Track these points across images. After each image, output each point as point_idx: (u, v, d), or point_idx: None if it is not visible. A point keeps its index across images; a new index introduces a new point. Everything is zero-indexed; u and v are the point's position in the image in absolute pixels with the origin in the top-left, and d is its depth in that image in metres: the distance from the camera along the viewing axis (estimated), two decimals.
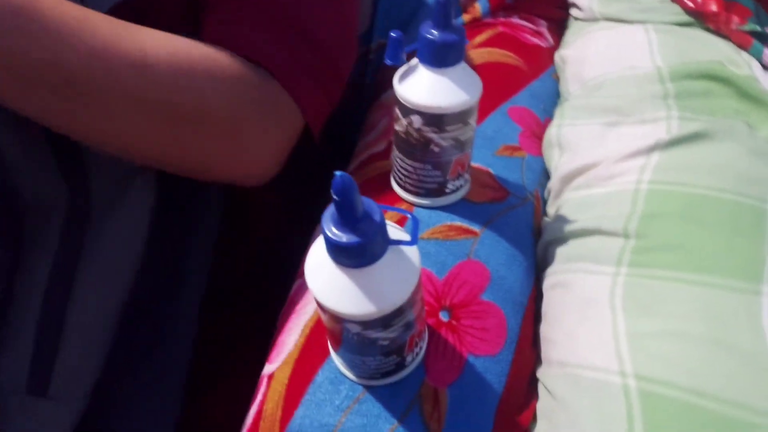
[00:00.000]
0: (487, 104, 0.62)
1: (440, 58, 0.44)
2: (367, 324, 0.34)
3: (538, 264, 0.54)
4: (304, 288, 0.48)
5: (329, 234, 0.31)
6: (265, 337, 0.49)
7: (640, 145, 0.53)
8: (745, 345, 0.41)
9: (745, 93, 0.56)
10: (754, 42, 0.61)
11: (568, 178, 0.56)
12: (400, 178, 0.51)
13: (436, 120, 0.46)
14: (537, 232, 0.55)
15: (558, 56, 0.71)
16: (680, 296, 0.44)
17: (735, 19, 0.62)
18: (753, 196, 0.49)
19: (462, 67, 0.45)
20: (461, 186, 0.51)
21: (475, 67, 0.65)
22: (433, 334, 0.43)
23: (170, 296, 0.55)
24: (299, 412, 0.40)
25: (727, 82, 0.57)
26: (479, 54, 0.67)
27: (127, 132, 0.43)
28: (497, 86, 0.64)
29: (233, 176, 0.50)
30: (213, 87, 0.44)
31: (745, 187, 0.49)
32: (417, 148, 0.48)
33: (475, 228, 0.50)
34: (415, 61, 0.46)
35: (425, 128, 0.46)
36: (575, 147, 0.58)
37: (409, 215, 0.36)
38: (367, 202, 0.32)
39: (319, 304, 0.35)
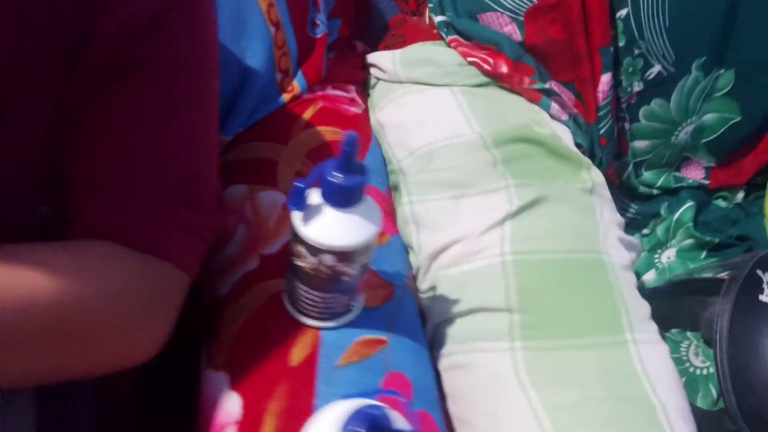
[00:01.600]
0: None
1: (348, 199, 0.44)
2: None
3: (429, 345, 0.57)
4: None
5: None
6: None
7: (492, 217, 0.59)
8: (630, 394, 0.50)
9: (553, 151, 0.66)
10: (543, 97, 0.72)
11: (434, 255, 0.60)
12: (304, 307, 0.50)
13: (347, 255, 0.45)
14: (420, 313, 0.59)
15: (375, 121, 0.74)
16: (572, 363, 0.51)
17: (525, 79, 0.71)
18: (590, 250, 0.59)
19: (365, 200, 0.46)
20: (362, 299, 0.52)
21: (311, 151, 0.65)
22: None
23: None
24: None
25: (538, 143, 0.66)
26: (310, 135, 0.67)
27: (9, 371, 0.38)
28: None
29: (122, 366, 0.44)
30: (104, 298, 0.41)
31: (582, 242, 0.59)
32: (327, 281, 0.47)
33: (382, 336, 0.52)
34: (314, 199, 0.45)
35: (338, 264, 0.46)
36: (432, 224, 0.62)
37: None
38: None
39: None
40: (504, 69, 0.72)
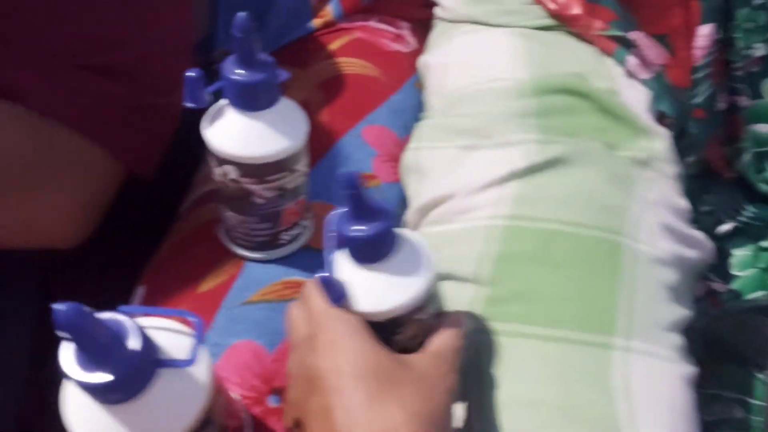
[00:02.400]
0: (339, 126, 0.56)
1: (251, 100, 0.38)
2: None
3: None
4: None
5: (73, 376, 0.25)
6: None
7: (495, 173, 0.49)
8: (594, 409, 0.37)
9: (604, 108, 0.53)
10: (617, 48, 0.58)
11: (425, 210, 0.51)
12: (227, 230, 0.44)
13: (253, 170, 0.39)
14: None
15: (421, 63, 0.65)
16: (532, 356, 0.40)
17: (598, 23, 0.58)
18: (609, 229, 0.46)
19: (280, 108, 0.39)
20: (300, 234, 0.45)
21: (326, 81, 0.59)
22: (261, 427, 0.37)
23: None
24: None
25: (587, 97, 0.53)
26: (331, 65, 0.61)
27: None
28: (351, 103, 0.58)
29: (32, 245, 0.43)
30: None
31: (601, 218, 0.46)
32: (236, 200, 0.41)
33: None
34: (224, 101, 0.39)
35: (243, 179, 0.40)
36: (432, 174, 0.53)
37: (194, 320, 0.29)
38: (118, 325, 0.25)
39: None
40: (575, 10, 0.59)
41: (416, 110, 0.63)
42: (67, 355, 0.25)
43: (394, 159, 0.56)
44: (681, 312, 0.44)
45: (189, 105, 0.38)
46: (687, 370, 0.41)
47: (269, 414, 0.38)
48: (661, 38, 0.58)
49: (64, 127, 0.40)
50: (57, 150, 0.40)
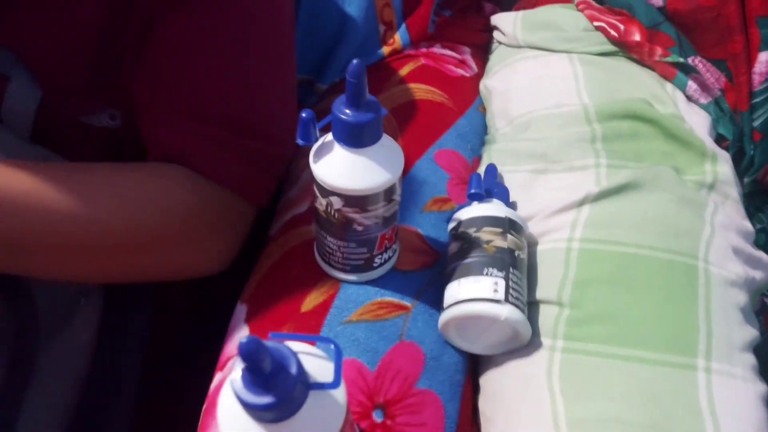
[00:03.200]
0: (413, 151, 0.59)
1: (357, 138, 0.41)
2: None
3: None
4: None
5: (242, 398, 0.28)
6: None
7: (569, 197, 0.51)
8: (683, 430, 0.40)
9: (671, 134, 0.55)
10: (678, 73, 0.61)
11: None
12: (325, 254, 0.47)
13: (356, 201, 0.42)
14: None
15: (483, 86, 0.68)
16: (616, 375, 0.42)
17: (658, 50, 0.61)
18: (683, 252, 0.48)
19: (381, 143, 0.42)
20: (390, 257, 0.48)
21: (398, 107, 0.62)
22: None
23: (106, 405, 0.53)
24: None
25: (653, 123, 0.56)
26: (402, 91, 0.64)
27: (83, 272, 0.45)
28: (423, 128, 0.61)
29: (191, 277, 0.49)
30: (163, 216, 0.45)
31: (675, 241, 0.49)
32: (338, 227, 0.44)
33: (407, 302, 0.47)
34: (330, 136, 0.42)
35: (346, 209, 0.43)
36: None
37: (332, 345, 0.32)
38: (280, 353, 0.29)
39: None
40: (636, 37, 0.62)
41: (480, 133, 0.65)
42: (236, 378, 0.28)
43: (465, 182, 0.59)
44: (752, 332, 0.47)
45: (301, 143, 0.41)
46: (762, 388, 0.44)
47: (376, 428, 0.41)
48: (719, 63, 0.61)
49: (221, 186, 0.46)
50: (214, 206, 0.47)
